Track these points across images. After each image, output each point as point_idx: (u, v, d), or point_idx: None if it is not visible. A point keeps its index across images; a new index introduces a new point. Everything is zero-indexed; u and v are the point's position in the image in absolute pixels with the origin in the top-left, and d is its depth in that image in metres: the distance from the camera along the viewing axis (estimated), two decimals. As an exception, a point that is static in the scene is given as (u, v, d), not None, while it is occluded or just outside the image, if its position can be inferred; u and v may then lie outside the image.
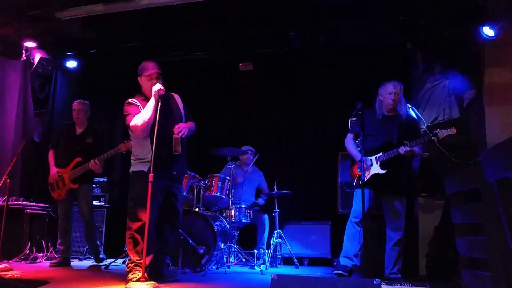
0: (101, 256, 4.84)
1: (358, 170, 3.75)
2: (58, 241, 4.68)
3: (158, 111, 3.29)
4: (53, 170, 4.68)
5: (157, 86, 3.36)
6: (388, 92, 3.80)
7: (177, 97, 3.72)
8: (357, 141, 3.91)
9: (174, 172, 3.48)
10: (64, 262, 4.55)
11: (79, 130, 4.78)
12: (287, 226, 5.58)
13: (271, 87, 6.41)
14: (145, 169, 3.33)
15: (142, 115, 3.35)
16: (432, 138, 3.53)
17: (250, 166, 5.66)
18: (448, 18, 5.00)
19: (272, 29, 5.61)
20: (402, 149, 3.56)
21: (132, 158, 3.53)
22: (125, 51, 6.18)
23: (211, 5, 4.81)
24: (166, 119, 3.46)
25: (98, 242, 4.90)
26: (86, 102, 4.84)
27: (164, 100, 3.46)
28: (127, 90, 6.37)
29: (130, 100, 3.52)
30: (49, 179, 4.71)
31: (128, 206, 3.38)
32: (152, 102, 3.36)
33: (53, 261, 4.64)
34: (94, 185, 5.56)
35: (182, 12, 4.94)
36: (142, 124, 3.33)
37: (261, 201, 5.54)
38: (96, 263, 4.76)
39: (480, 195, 1.71)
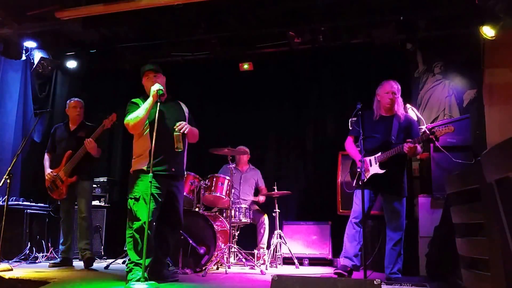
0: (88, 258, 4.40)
1: (358, 170, 3.75)
2: (60, 241, 4.64)
3: (158, 109, 3.32)
4: (47, 171, 4.63)
5: (156, 86, 3.38)
6: (386, 91, 3.81)
7: (182, 104, 3.76)
8: (357, 143, 3.92)
9: (173, 169, 3.47)
10: (65, 262, 4.51)
11: (72, 127, 4.76)
12: (287, 226, 5.58)
13: (271, 87, 6.41)
14: (144, 166, 3.36)
15: (135, 113, 3.40)
16: (430, 136, 3.54)
17: (246, 164, 5.66)
18: (448, 18, 5.01)
19: (272, 29, 5.61)
20: (406, 146, 3.56)
21: (133, 158, 3.54)
22: (125, 51, 6.18)
23: (211, 5, 4.82)
24: (168, 119, 3.49)
25: (89, 245, 4.50)
26: (81, 100, 4.87)
27: (166, 101, 3.52)
28: (127, 90, 6.42)
29: (133, 99, 3.57)
30: (46, 183, 4.63)
31: (127, 205, 3.38)
32: (148, 102, 3.38)
33: (52, 261, 4.60)
34: (94, 185, 5.50)
35: (182, 12, 4.94)
36: (133, 123, 3.38)
37: (262, 198, 5.54)
38: (86, 267, 4.37)
39: (480, 195, 1.71)
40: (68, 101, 4.88)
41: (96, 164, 4.79)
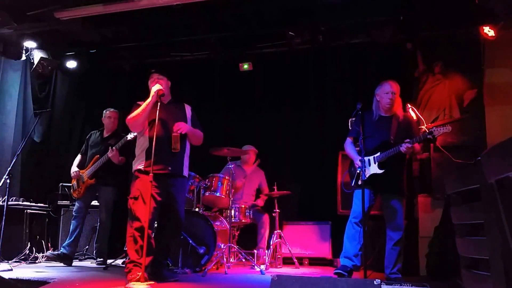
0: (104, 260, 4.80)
1: (358, 170, 3.76)
2: (68, 237, 4.80)
3: (158, 110, 3.34)
4: (73, 169, 4.94)
5: (156, 87, 3.45)
6: (386, 91, 3.82)
7: (187, 107, 3.79)
8: (356, 143, 3.92)
9: (170, 168, 3.48)
10: (63, 258, 4.62)
11: (106, 134, 5.10)
12: (287, 226, 5.58)
13: (271, 87, 6.41)
14: (141, 166, 3.42)
15: (135, 112, 3.48)
16: (428, 136, 3.54)
17: (252, 165, 5.66)
18: (448, 18, 5.00)
19: (272, 29, 5.61)
20: (403, 146, 3.57)
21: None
22: (125, 51, 6.18)
23: (211, 5, 4.81)
24: (168, 120, 3.51)
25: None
26: (117, 110, 5.19)
27: (169, 103, 3.59)
28: (127, 90, 6.41)
29: (138, 102, 3.62)
30: (72, 180, 5.00)
31: (128, 205, 3.40)
32: (147, 102, 3.45)
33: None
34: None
35: (182, 12, 4.94)
36: (132, 120, 3.48)
37: (260, 202, 5.53)
38: (98, 265, 4.76)
39: (480, 195, 1.71)
40: (104, 111, 5.17)
41: (119, 171, 4.97)
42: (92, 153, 4.99)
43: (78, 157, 5.12)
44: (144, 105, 3.46)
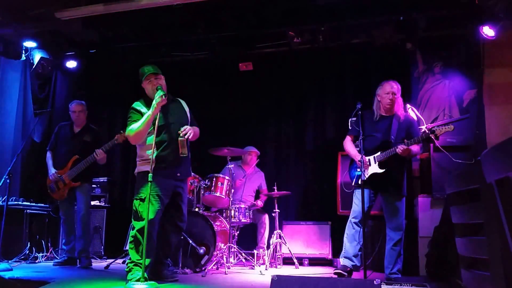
0: (87, 260, 4.55)
1: (358, 169, 3.76)
2: (63, 241, 4.76)
3: (158, 116, 3.33)
4: (51, 171, 4.66)
5: (159, 94, 3.32)
6: (386, 92, 3.82)
7: (183, 103, 3.76)
8: (356, 143, 3.92)
9: (178, 174, 3.50)
10: (69, 261, 4.61)
11: (76, 129, 4.82)
12: (287, 226, 5.58)
13: (271, 87, 6.41)
14: (149, 169, 3.35)
15: (136, 125, 3.38)
16: (430, 135, 3.54)
17: (253, 167, 5.66)
18: (448, 18, 5.00)
19: (272, 29, 5.61)
20: (399, 148, 3.57)
21: (137, 159, 3.56)
22: (125, 51, 6.18)
23: (211, 5, 4.81)
24: (172, 121, 3.50)
25: (89, 247, 4.72)
26: (82, 102, 4.90)
27: (169, 103, 3.50)
28: (127, 90, 6.41)
29: (135, 106, 3.53)
30: (48, 181, 4.68)
31: (133, 206, 3.40)
32: (149, 113, 3.34)
33: (56, 260, 4.70)
34: (94, 186, 5.55)
35: (182, 12, 4.94)
36: (133, 136, 3.39)
37: (260, 203, 5.53)
38: (86, 265, 4.52)
39: (480, 195, 1.71)
40: (69, 104, 4.88)
41: (93, 168, 4.77)
42: (65, 150, 4.70)
43: (49, 155, 4.78)
44: (145, 118, 3.34)
